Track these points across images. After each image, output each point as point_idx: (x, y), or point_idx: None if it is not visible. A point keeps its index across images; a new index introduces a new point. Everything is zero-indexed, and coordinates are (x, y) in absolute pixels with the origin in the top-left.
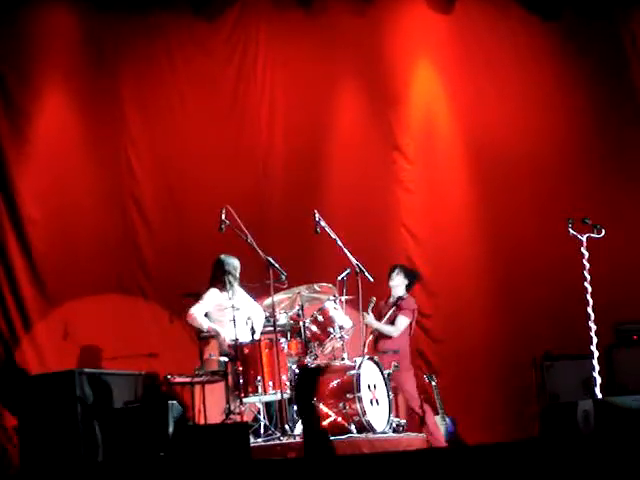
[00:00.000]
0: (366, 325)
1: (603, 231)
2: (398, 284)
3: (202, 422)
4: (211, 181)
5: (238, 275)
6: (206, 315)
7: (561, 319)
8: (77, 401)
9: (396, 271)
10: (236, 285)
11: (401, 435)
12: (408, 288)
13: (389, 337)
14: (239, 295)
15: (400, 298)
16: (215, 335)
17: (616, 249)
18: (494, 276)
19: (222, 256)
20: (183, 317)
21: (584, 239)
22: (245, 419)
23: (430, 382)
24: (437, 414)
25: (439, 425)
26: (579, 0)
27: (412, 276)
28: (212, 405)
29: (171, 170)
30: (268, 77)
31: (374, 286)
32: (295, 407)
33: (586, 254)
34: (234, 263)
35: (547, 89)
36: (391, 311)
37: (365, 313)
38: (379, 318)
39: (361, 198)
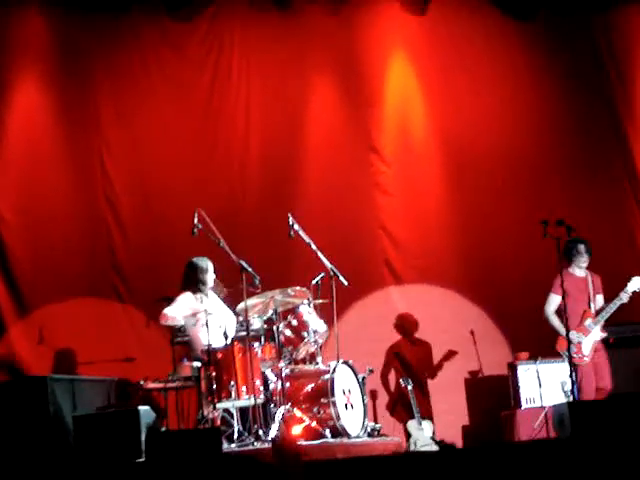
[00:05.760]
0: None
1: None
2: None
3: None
4: (186, 184)
5: (211, 279)
6: None
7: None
8: (49, 407)
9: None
10: (208, 289)
11: (376, 439)
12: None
13: None
14: (212, 299)
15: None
16: (188, 340)
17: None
18: (474, 279)
19: (194, 259)
20: (158, 321)
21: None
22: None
23: (406, 386)
24: (413, 417)
25: (415, 429)
26: (555, 2)
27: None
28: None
29: (146, 172)
30: (243, 79)
31: (348, 289)
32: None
33: None
34: (206, 266)
35: (522, 89)
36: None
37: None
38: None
39: (338, 201)
